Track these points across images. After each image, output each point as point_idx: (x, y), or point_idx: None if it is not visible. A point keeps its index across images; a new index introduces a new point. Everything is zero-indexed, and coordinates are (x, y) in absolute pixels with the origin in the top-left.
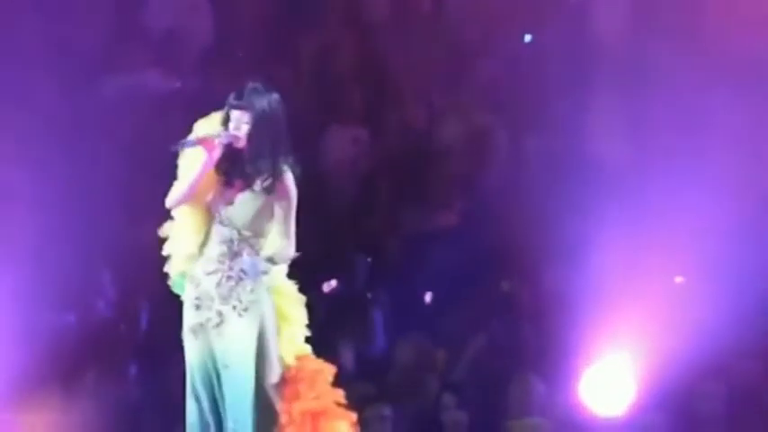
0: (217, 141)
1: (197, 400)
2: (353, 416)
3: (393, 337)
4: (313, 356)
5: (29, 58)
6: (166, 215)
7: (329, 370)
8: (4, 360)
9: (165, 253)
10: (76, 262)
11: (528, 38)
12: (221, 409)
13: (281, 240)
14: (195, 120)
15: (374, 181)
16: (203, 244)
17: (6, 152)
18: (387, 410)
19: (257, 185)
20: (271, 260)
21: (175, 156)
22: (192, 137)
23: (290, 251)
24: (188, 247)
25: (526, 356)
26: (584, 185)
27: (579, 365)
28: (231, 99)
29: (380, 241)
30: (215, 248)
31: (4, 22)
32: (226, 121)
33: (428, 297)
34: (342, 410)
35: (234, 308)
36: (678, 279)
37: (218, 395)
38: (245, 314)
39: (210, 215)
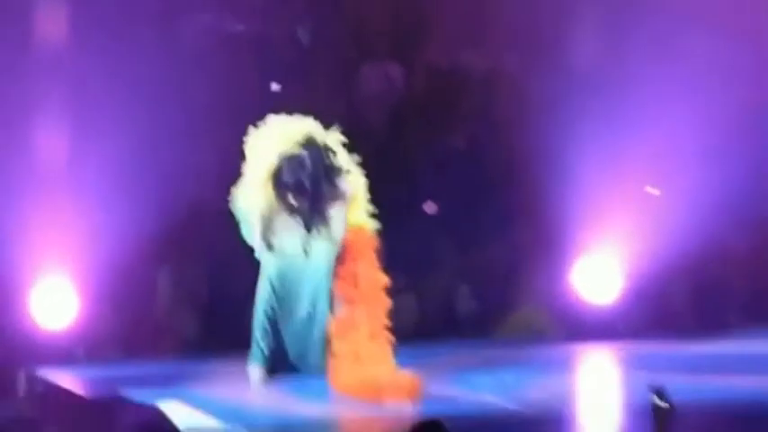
0: None
1: (268, 301)
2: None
3: (421, 239)
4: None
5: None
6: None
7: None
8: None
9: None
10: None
11: None
12: (290, 310)
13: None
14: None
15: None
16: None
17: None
18: (412, 299)
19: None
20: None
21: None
22: None
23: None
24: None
25: (527, 253)
26: (573, 105)
27: (571, 259)
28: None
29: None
30: (293, 231)
31: None
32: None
33: (446, 207)
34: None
35: (317, 238)
36: (654, 190)
37: (294, 298)
38: (324, 242)
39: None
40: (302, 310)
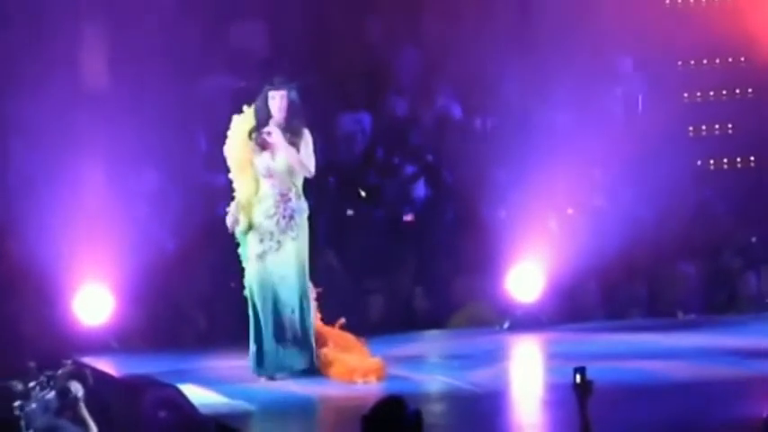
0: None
1: (255, 309)
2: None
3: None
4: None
5: None
6: None
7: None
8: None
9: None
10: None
11: None
12: (275, 311)
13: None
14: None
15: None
16: (259, 200)
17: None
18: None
19: (288, 141)
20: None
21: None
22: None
23: (312, 169)
24: (245, 197)
25: (469, 261)
26: (507, 141)
27: (506, 266)
28: (269, 86)
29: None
30: (271, 199)
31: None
32: (265, 100)
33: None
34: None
35: (289, 236)
36: (569, 210)
37: (276, 301)
38: (296, 240)
39: (257, 178)
40: (286, 309)
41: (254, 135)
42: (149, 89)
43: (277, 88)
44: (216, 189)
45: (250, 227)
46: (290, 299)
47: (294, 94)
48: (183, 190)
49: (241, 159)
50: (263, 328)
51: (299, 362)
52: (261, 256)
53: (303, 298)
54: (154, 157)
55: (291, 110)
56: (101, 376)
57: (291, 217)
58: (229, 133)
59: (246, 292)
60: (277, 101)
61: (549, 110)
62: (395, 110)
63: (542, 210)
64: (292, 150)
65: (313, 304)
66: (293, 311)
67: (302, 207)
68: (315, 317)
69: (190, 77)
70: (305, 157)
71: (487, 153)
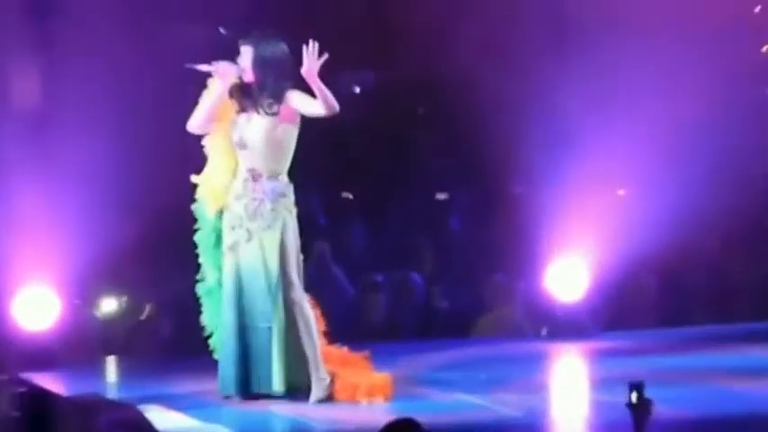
0: (226, 70)
1: (230, 307)
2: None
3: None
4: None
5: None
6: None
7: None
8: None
9: (198, 181)
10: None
11: None
12: (248, 313)
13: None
14: None
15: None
16: (233, 177)
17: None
18: (383, 296)
19: (264, 109)
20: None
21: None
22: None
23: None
24: (220, 179)
25: (498, 252)
26: (543, 110)
27: (544, 260)
28: (240, 39)
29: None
30: (240, 177)
31: None
32: (238, 54)
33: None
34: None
35: (259, 225)
36: (620, 192)
37: (242, 308)
38: (268, 230)
39: (235, 150)
40: (257, 320)
41: (233, 90)
42: (102, 51)
43: (243, 43)
44: (186, 167)
45: (221, 212)
46: (261, 306)
47: (273, 49)
48: (144, 169)
49: (219, 128)
50: (226, 341)
51: (272, 384)
52: (232, 248)
53: (285, 307)
54: (108, 128)
55: (268, 68)
56: (44, 395)
57: (262, 201)
58: (205, 92)
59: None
60: (244, 57)
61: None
62: (408, 70)
63: (588, 191)
64: (268, 118)
65: (313, 315)
66: (266, 323)
67: (278, 189)
68: (317, 333)
69: (149, 26)
70: (302, 105)
71: (523, 124)
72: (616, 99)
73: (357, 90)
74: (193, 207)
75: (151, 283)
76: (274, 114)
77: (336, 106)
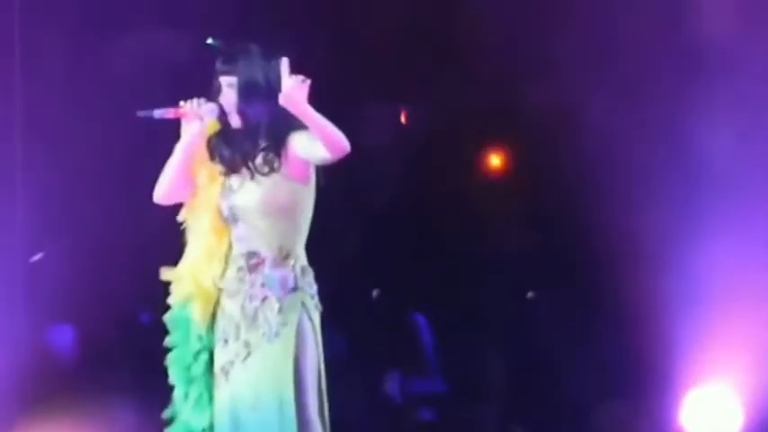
0: (199, 112)
1: None
2: None
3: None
4: None
5: None
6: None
7: None
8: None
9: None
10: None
11: None
12: None
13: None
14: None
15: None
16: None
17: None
18: None
19: (259, 167)
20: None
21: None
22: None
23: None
24: (208, 269)
25: (613, 379)
26: (683, 178)
27: (679, 390)
28: (218, 64)
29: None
30: (234, 265)
31: None
32: (218, 90)
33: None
34: None
35: (263, 334)
36: None
37: None
38: (276, 342)
39: (226, 225)
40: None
41: (213, 142)
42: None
43: (225, 71)
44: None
45: (206, 314)
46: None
47: (267, 74)
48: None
49: (200, 193)
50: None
51: None
52: (225, 372)
53: None
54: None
55: (259, 103)
56: None
57: (265, 298)
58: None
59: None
60: (226, 93)
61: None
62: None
63: (746, 288)
64: (267, 178)
65: None
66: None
67: (289, 279)
68: None
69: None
70: (307, 150)
71: (639, 172)
72: None
73: (402, 128)
74: (167, 317)
75: None
76: (274, 172)
77: (345, 145)
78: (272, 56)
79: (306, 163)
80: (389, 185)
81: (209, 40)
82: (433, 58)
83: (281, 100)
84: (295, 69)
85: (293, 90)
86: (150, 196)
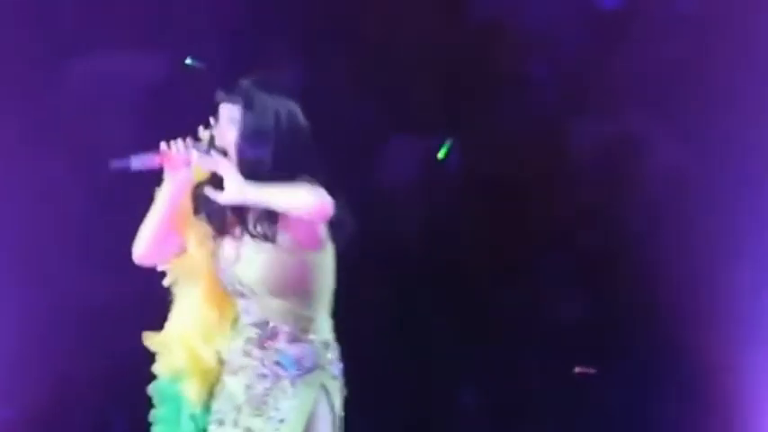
0: (187, 157)
1: None
2: None
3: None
4: None
5: None
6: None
7: None
8: None
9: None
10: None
11: None
12: None
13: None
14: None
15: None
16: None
17: None
18: None
19: (257, 230)
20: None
21: None
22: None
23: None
24: (203, 337)
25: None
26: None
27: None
28: (219, 94)
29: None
30: (242, 335)
31: None
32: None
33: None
34: None
35: (269, 419)
36: None
37: None
38: (282, 427)
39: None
40: None
41: (199, 193)
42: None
43: (229, 98)
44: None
45: (204, 393)
46: None
47: (269, 114)
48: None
49: (194, 245)
50: None
51: None
52: None
53: None
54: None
55: (259, 149)
56: None
57: (277, 379)
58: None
59: None
60: (225, 127)
61: None
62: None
63: None
64: (270, 245)
65: None
66: None
67: (309, 356)
68: None
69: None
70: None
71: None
72: None
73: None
74: (153, 388)
75: None
76: (270, 241)
77: (320, 207)
78: (288, 89)
79: (311, 223)
80: (423, 237)
81: (188, 60)
82: (472, 90)
83: (222, 202)
84: (316, 99)
85: (232, 185)
86: (127, 256)
